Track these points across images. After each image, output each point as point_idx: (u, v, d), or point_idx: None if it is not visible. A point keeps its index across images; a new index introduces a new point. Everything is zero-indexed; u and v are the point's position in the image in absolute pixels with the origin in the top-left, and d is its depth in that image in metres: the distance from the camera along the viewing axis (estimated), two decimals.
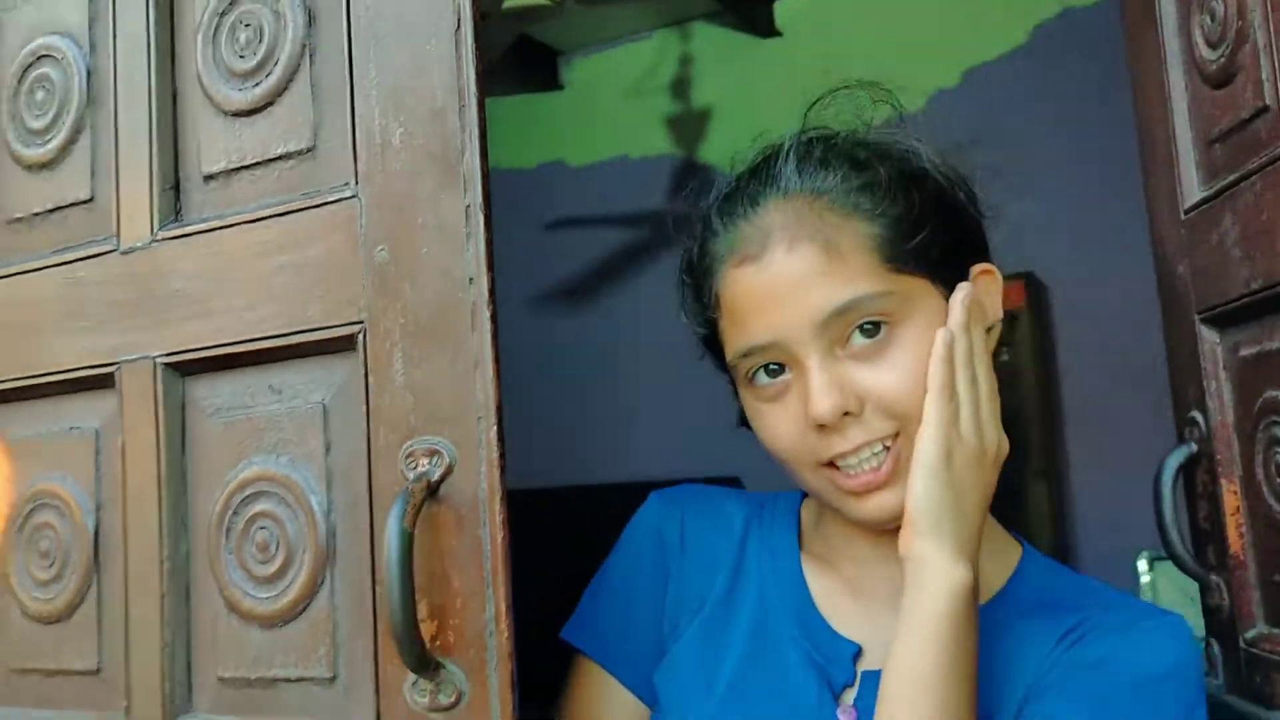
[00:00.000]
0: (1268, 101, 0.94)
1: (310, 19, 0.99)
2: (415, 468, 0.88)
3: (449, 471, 0.87)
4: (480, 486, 0.86)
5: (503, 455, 0.86)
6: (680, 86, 4.00)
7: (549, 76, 4.41)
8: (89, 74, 1.13)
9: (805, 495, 1.06)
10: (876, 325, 0.86)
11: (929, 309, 0.88)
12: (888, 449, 0.87)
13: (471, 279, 0.88)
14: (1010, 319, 2.86)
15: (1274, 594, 1.01)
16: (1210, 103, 1.05)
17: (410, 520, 0.83)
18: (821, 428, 0.86)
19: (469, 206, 0.88)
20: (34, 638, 1.11)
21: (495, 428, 0.86)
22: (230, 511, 1.00)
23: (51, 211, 1.15)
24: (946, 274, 0.90)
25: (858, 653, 0.94)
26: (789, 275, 0.87)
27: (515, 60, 4.25)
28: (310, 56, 0.99)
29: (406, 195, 0.92)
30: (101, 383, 1.09)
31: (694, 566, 1.03)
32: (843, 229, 0.87)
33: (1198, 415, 1.11)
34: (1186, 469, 1.13)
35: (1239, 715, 1.03)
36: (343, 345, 0.95)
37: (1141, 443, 1.44)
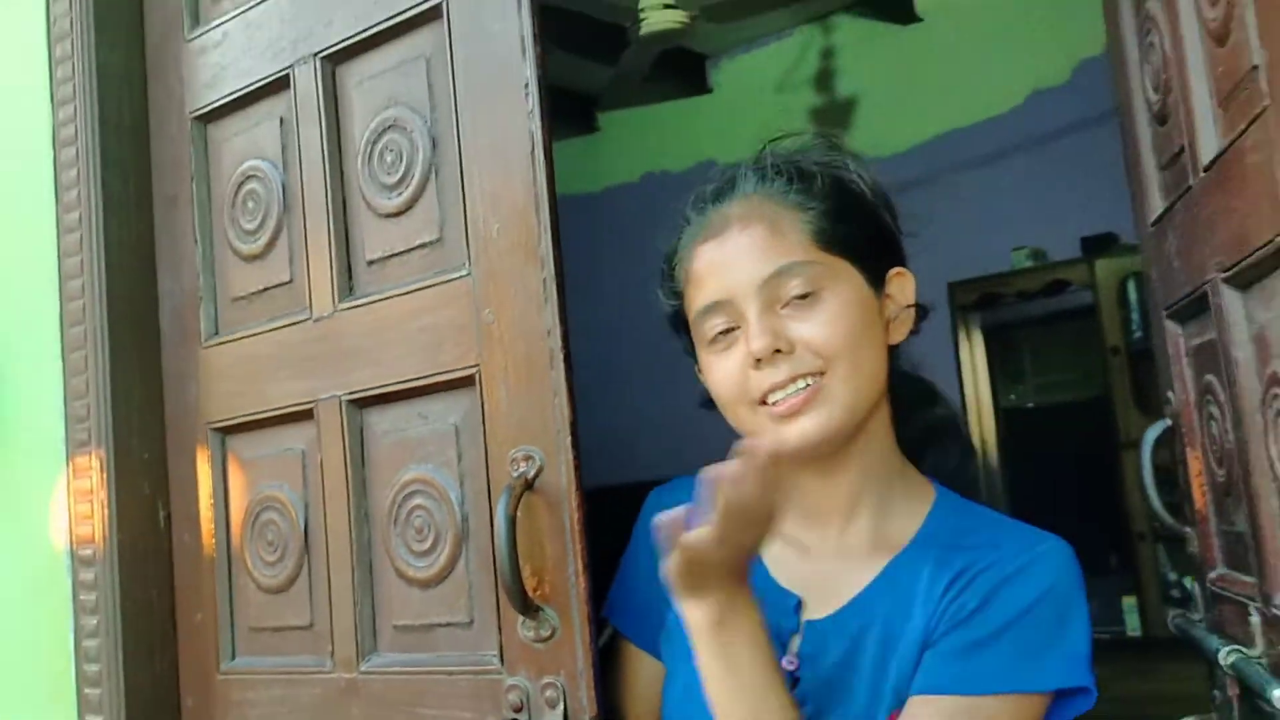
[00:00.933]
0: (1185, 143, 1.14)
1: (434, 144, 1.31)
2: (517, 469, 1.18)
3: (540, 471, 1.17)
4: (562, 482, 1.15)
5: (578, 457, 1.15)
6: (824, 79, 4.08)
7: (698, 80, 4.57)
8: (284, 188, 1.47)
9: None
10: (806, 295, 1.05)
11: (850, 283, 1.08)
12: (809, 386, 1.04)
13: (549, 331, 1.18)
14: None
15: (1228, 541, 1.17)
16: (1158, 136, 1.24)
17: (512, 507, 1.13)
18: (758, 363, 1.04)
19: (545, 280, 1.18)
20: (264, 604, 1.46)
21: (570, 438, 1.15)
22: (396, 506, 1.31)
23: (263, 291, 1.49)
24: (868, 262, 1.10)
25: (798, 604, 1.08)
26: (741, 247, 1.08)
27: (665, 68, 4.38)
28: (435, 172, 1.31)
29: (503, 272, 1.22)
30: (304, 416, 1.42)
31: None
32: (784, 216, 1.09)
33: (1170, 395, 1.31)
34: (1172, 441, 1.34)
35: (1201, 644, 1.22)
36: (465, 383, 1.25)
37: None
